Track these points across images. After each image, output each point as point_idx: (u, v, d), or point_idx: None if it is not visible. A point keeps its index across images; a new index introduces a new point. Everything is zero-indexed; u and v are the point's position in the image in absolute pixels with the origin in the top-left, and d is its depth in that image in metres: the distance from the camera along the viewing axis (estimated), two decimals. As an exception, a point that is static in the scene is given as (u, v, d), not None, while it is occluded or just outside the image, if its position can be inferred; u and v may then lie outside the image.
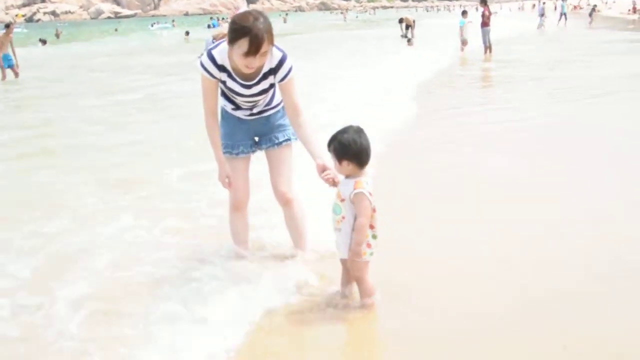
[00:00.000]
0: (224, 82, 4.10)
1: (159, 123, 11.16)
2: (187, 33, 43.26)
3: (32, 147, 9.49)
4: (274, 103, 4.35)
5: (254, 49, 3.80)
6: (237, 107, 4.27)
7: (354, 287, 4.12)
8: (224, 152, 4.33)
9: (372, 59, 20.83)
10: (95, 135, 10.13)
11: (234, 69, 4.04)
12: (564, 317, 3.88)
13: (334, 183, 3.90)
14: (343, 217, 3.89)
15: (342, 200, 3.88)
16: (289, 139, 4.42)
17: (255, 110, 4.31)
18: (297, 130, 4.18)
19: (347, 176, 3.87)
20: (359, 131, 3.88)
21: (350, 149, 3.81)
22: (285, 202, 4.51)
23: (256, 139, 4.45)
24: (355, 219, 3.85)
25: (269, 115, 4.36)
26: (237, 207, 4.54)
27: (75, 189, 6.86)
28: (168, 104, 13.42)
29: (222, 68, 4.04)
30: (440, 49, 23.88)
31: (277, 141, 4.41)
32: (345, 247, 3.94)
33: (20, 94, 16.47)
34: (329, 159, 3.92)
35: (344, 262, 4.09)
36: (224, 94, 4.24)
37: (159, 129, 10.55)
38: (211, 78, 4.04)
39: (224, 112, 4.32)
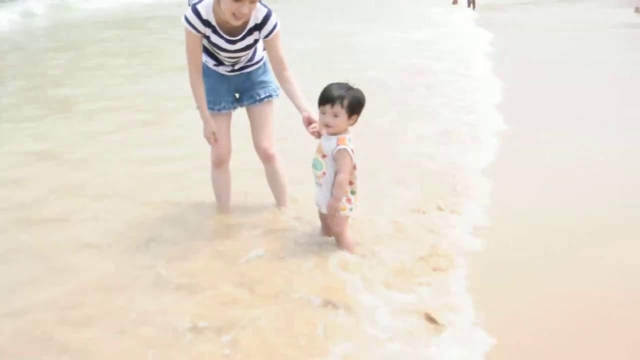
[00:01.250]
0: (207, 38, 4.09)
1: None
2: None
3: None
4: (256, 59, 4.39)
5: None
6: (219, 63, 4.30)
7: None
8: (211, 108, 4.38)
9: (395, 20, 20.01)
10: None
11: (219, 24, 4.05)
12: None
13: (319, 135, 3.96)
14: (324, 173, 3.96)
15: (324, 156, 3.93)
16: (270, 95, 4.46)
17: (237, 67, 4.34)
18: (282, 83, 4.21)
19: (330, 133, 3.90)
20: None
21: (363, 103, 3.89)
22: (267, 157, 4.57)
23: (236, 95, 4.50)
24: (335, 174, 3.92)
25: (251, 72, 4.40)
26: (220, 162, 4.60)
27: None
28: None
29: (206, 23, 4.03)
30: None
31: (258, 98, 4.45)
32: (325, 202, 4.03)
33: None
34: (314, 111, 3.98)
35: (323, 217, 4.23)
36: (206, 50, 4.25)
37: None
38: (196, 33, 4.03)
39: (205, 68, 4.32)
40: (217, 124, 4.39)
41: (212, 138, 4.29)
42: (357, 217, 4.31)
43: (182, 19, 4.03)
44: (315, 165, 4.00)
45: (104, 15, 25.01)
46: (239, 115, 4.70)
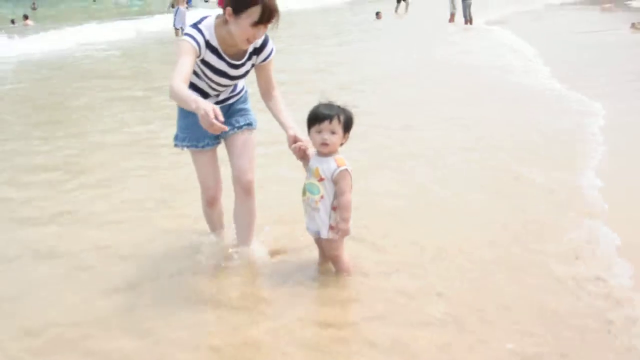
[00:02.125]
0: (205, 63, 3.92)
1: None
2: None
3: None
4: (238, 89, 4.29)
5: (267, 17, 3.72)
6: (202, 95, 4.10)
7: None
8: (189, 146, 4.22)
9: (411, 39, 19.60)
10: None
11: (221, 46, 3.92)
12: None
13: (304, 155, 3.89)
14: (322, 197, 3.86)
15: (322, 179, 3.85)
16: (250, 124, 4.30)
17: (220, 98, 4.22)
18: (268, 102, 4.14)
19: (323, 154, 3.85)
20: None
21: (353, 121, 3.90)
22: (247, 191, 4.27)
23: None
24: (334, 197, 3.85)
25: (232, 103, 4.30)
26: (211, 202, 4.42)
27: None
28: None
29: (208, 44, 3.87)
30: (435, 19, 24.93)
31: (237, 125, 4.26)
32: (325, 227, 3.92)
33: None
34: (301, 130, 3.94)
35: (319, 242, 4.12)
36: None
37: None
38: (196, 48, 3.80)
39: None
40: (202, 161, 4.24)
41: (212, 116, 3.36)
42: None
43: (184, 36, 3.83)
44: (310, 190, 3.90)
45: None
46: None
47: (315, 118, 3.80)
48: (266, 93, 4.15)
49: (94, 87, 12.54)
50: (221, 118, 3.35)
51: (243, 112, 4.34)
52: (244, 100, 4.36)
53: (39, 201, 6.03)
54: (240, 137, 4.28)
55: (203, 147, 4.22)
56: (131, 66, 15.41)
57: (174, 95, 3.54)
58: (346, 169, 3.80)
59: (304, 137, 3.93)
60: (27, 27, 29.13)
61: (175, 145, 4.26)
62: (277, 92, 4.13)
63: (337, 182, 3.80)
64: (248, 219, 4.37)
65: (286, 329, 3.60)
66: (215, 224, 4.60)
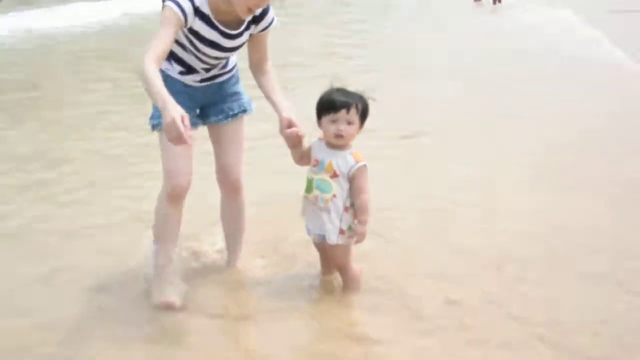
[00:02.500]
0: (194, 33, 3.32)
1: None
2: None
3: None
4: (230, 66, 3.65)
5: None
6: (189, 70, 3.49)
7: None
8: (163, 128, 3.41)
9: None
10: None
11: (214, 13, 3.31)
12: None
13: (299, 142, 3.40)
14: (334, 196, 3.36)
15: (335, 175, 3.36)
16: (245, 110, 3.69)
17: (210, 74, 3.58)
18: (260, 77, 3.57)
19: (334, 146, 3.38)
20: None
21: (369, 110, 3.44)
22: (236, 189, 3.76)
23: (197, 111, 3.67)
24: (347, 196, 3.39)
25: (222, 82, 3.65)
26: (177, 195, 3.48)
27: None
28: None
29: (198, 12, 3.28)
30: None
31: (231, 113, 3.64)
32: (334, 231, 3.41)
33: None
34: (295, 113, 3.43)
35: (322, 248, 3.60)
36: (172, 54, 3.43)
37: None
38: (181, 17, 3.21)
39: (165, 78, 3.30)
40: (175, 147, 3.44)
41: (181, 127, 2.87)
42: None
43: (168, 1, 3.23)
44: (320, 187, 3.38)
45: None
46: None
47: (330, 106, 3.33)
48: (258, 66, 3.59)
49: (72, 68, 11.73)
50: (188, 131, 2.87)
51: (237, 96, 3.71)
52: (237, 81, 3.73)
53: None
54: (231, 127, 3.70)
55: None
56: (112, 47, 14.49)
57: (142, 78, 3.00)
58: (365, 165, 3.37)
59: (299, 121, 3.43)
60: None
61: (153, 128, 3.53)
62: (270, 66, 3.59)
63: (355, 179, 3.35)
64: (237, 221, 3.87)
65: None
66: (169, 233, 3.56)
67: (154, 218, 3.60)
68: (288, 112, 3.40)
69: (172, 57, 3.44)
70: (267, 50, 3.58)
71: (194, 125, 3.52)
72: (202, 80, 3.55)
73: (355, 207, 3.39)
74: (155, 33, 3.14)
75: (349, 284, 3.60)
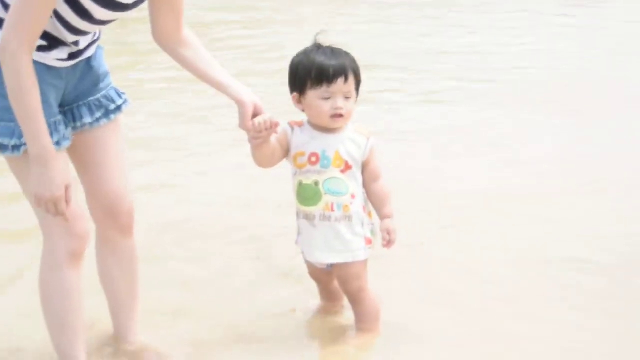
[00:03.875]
0: None
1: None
2: None
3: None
4: (99, 33, 2.35)
5: None
6: (52, 44, 2.15)
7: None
8: (19, 146, 2.21)
9: None
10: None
11: None
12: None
13: (273, 132, 2.41)
14: (352, 196, 2.49)
15: (348, 167, 2.49)
16: (125, 102, 2.44)
17: (80, 46, 2.22)
18: (183, 49, 2.40)
19: (328, 130, 2.49)
20: None
21: None
22: (128, 228, 2.49)
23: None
24: (363, 191, 2.54)
25: (91, 57, 2.32)
26: (81, 253, 2.32)
27: None
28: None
29: None
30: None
31: (112, 106, 2.37)
32: (359, 245, 2.49)
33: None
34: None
35: (326, 278, 2.65)
36: None
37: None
38: None
39: None
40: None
41: (62, 199, 2.12)
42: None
43: None
44: (332, 191, 2.47)
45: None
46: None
47: (321, 75, 2.43)
48: (174, 34, 2.40)
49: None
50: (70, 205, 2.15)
51: (108, 78, 2.40)
52: (102, 52, 2.42)
53: None
54: (112, 129, 2.40)
55: (58, 143, 2.23)
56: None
57: (16, 93, 2.03)
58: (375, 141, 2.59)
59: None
60: None
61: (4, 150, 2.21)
62: (189, 33, 2.46)
63: (370, 163, 2.53)
64: (133, 274, 2.54)
65: None
66: (77, 314, 2.36)
67: (42, 303, 2.35)
68: (250, 96, 2.38)
69: None
70: (182, 9, 2.39)
71: (65, 141, 2.24)
72: (70, 57, 2.19)
73: (372, 199, 2.54)
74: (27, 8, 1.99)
75: (367, 317, 2.58)
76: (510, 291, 2.87)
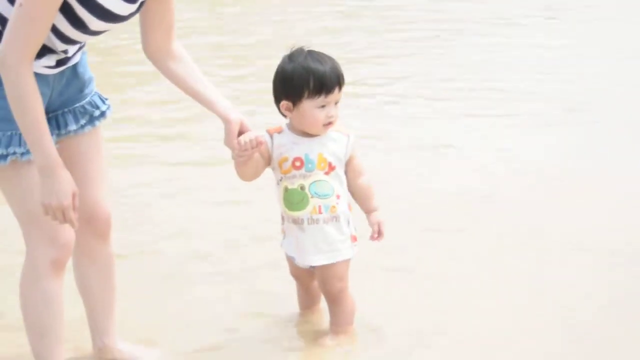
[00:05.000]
0: (84, 2, 2.08)
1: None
2: None
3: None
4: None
5: None
6: (43, 52, 2.13)
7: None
8: (23, 154, 2.20)
9: None
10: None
11: None
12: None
13: (258, 149, 2.40)
14: (338, 196, 2.51)
15: (332, 168, 2.50)
16: (109, 108, 2.44)
17: (69, 54, 2.22)
18: (173, 63, 2.38)
19: (310, 134, 2.51)
20: None
21: None
22: (105, 234, 2.50)
23: None
24: (346, 189, 2.57)
25: (77, 64, 2.32)
26: (64, 261, 2.32)
27: None
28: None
29: None
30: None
31: (97, 113, 2.37)
32: (345, 244, 2.53)
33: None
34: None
35: (308, 278, 2.67)
36: None
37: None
38: None
39: None
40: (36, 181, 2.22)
41: (71, 206, 2.12)
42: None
43: None
44: (319, 194, 2.49)
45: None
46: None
47: (321, 85, 2.42)
48: (164, 47, 2.39)
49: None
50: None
51: (92, 84, 2.39)
52: (85, 58, 2.41)
53: None
54: (94, 137, 2.41)
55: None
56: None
57: (17, 106, 2.04)
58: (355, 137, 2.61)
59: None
60: None
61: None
62: (179, 45, 2.45)
63: (352, 159, 2.55)
64: (110, 280, 2.54)
65: None
66: (58, 322, 2.35)
67: (23, 310, 2.34)
68: (237, 113, 2.37)
69: None
70: (174, 23, 2.38)
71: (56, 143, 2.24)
72: (57, 64, 2.19)
73: (356, 195, 2.57)
74: (21, 12, 1.98)
75: (344, 318, 2.61)
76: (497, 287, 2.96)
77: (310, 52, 2.47)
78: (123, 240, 2.97)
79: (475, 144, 4.61)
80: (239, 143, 2.32)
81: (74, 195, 2.12)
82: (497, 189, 3.88)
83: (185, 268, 3.14)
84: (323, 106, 2.43)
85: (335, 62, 2.46)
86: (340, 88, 2.44)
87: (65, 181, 2.11)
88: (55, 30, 2.09)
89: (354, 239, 2.55)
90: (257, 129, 2.39)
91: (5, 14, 2.06)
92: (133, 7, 2.16)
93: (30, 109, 2.03)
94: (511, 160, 4.30)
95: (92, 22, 2.13)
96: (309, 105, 2.41)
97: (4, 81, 2.03)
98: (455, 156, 4.45)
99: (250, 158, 2.37)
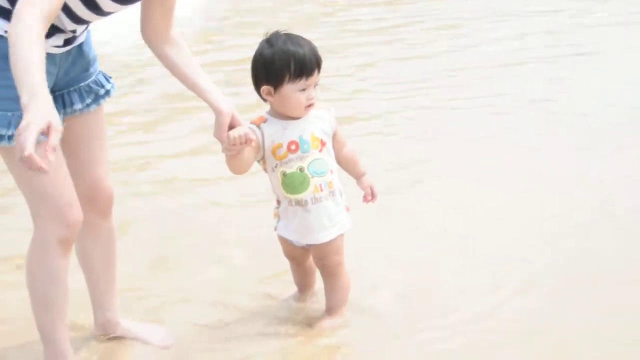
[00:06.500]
0: None
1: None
2: None
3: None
4: None
5: None
6: (52, 31, 2.12)
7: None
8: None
9: None
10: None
11: None
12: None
13: (249, 144, 2.38)
14: (331, 171, 2.54)
15: (323, 144, 2.53)
16: (114, 86, 2.48)
17: (77, 33, 2.26)
18: (170, 49, 2.40)
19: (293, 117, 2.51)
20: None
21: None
22: (107, 212, 2.54)
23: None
24: (334, 160, 2.60)
25: (82, 43, 2.36)
26: (71, 239, 2.30)
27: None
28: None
29: None
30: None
31: (102, 91, 2.41)
32: (340, 216, 2.57)
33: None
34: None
35: (304, 256, 2.70)
36: None
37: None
38: None
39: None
40: (52, 162, 2.01)
41: (36, 130, 1.66)
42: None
43: None
44: (317, 172, 2.51)
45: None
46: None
47: (301, 68, 2.41)
48: (163, 32, 2.40)
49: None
50: (51, 152, 1.66)
51: (96, 63, 2.43)
52: (90, 37, 2.44)
53: None
54: (98, 116, 2.44)
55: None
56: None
57: (12, 45, 1.80)
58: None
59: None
60: None
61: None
62: (177, 32, 2.45)
63: (337, 132, 2.60)
64: (112, 254, 2.59)
65: None
66: (62, 299, 2.38)
67: (28, 285, 2.36)
68: (229, 106, 2.37)
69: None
70: (174, 8, 2.38)
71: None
72: (65, 43, 2.23)
73: (344, 163, 2.64)
74: None
75: (340, 293, 2.66)
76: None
77: (289, 35, 2.47)
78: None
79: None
80: (228, 137, 2.32)
81: (49, 126, 1.68)
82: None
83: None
84: (304, 89, 2.43)
85: (312, 45, 2.47)
86: (319, 70, 2.45)
87: (42, 108, 1.73)
88: (66, 9, 2.10)
89: (347, 209, 2.59)
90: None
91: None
92: None
93: (25, 49, 1.80)
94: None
95: (106, 3, 2.16)
96: (290, 89, 2.42)
97: (13, 38, 1.83)
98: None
99: (239, 152, 2.37)
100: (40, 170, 1.66)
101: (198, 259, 3.14)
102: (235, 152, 2.35)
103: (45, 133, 1.67)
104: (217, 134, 2.35)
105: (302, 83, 2.41)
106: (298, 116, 2.47)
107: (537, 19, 7.51)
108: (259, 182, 2.99)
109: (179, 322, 2.69)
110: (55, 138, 1.69)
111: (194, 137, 4.50)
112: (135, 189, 3.83)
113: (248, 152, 2.41)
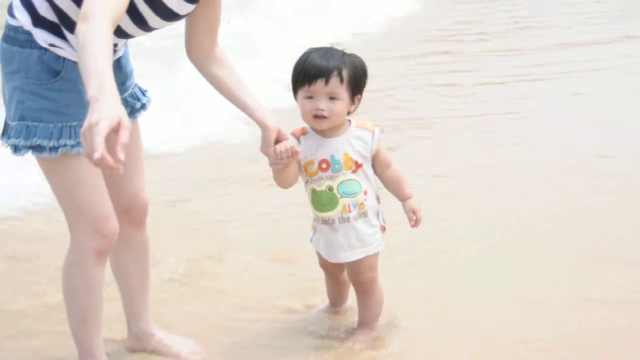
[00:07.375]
0: None
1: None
2: None
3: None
4: None
5: None
6: None
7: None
8: (73, 146, 2.17)
9: None
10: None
11: None
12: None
13: (295, 158, 2.41)
14: (365, 192, 2.51)
15: (359, 166, 2.49)
16: (149, 99, 2.50)
17: (118, 47, 2.30)
18: (216, 67, 2.42)
19: (323, 127, 2.46)
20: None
21: (367, 75, 2.51)
22: (142, 222, 2.55)
23: None
24: (374, 183, 2.59)
25: (121, 57, 2.38)
26: (107, 247, 2.32)
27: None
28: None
29: None
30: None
31: (138, 104, 2.43)
32: (377, 234, 2.55)
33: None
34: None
35: (338, 272, 2.68)
36: (65, 21, 2.13)
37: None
38: None
39: (67, 66, 2.15)
40: (88, 172, 2.21)
41: (104, 131, 1.62)
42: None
43: None
44: (347, 193, 2.49)
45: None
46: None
47: (304, 74, 2.42)
48: (208, 49, 2.43)
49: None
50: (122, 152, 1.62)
51: (133, 76, 2.45)
52: (128, 51, 2.47)
53: None
54: (133, 131, 2.34)
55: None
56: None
57: (81, 44, 1.78)
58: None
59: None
60: None
61: (17, 151, 2.17)
62: (222, 50, 2.48)
63: (379, 154, 2.54)
64: (146, 265, 2.60)
65: None
66: (98, 310, 2.40)
67: (65, 295, 2.38)
68: (274, 121, 2.40)
69: (66, 25, 2.12)
70: (219, 24, 2.39)
71: None
72: None
73: (388, 185, 2.59)
74: None
75: (374, 310, 2.66)
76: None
77: (332, 49, 2.47)
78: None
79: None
80: (275, 151, 2.35)
81: (120, 122, 1.66)
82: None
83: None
84: (310, 97, 2.41)
85: (340, 59, 2.42)
86: (327, 81, 2.38)
87: (114, 104, 1.70)
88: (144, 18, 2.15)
89: (383, 229, 2.56)
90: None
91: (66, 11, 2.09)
92: (192, 7, 2.23)
93: (95, 46, 1.77)
94: None
95: (153, 19, 2.18)
96: (300, 95, 2.44)
97: (80, 36, 1.80)
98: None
99: (286, 166, 2.39)
100: (112, 170, 1.64)
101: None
102: (282, 166, 2.38)
103: (116, 130, 1.64)
104: (264, 149, 2.38)
105: (305, 90, 2.41)
106: (311, 125, 2.46)
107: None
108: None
109: (208, 335, 2.69)
110: (126, 135, 1.66)
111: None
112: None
113: (294, 165, 2.44)
